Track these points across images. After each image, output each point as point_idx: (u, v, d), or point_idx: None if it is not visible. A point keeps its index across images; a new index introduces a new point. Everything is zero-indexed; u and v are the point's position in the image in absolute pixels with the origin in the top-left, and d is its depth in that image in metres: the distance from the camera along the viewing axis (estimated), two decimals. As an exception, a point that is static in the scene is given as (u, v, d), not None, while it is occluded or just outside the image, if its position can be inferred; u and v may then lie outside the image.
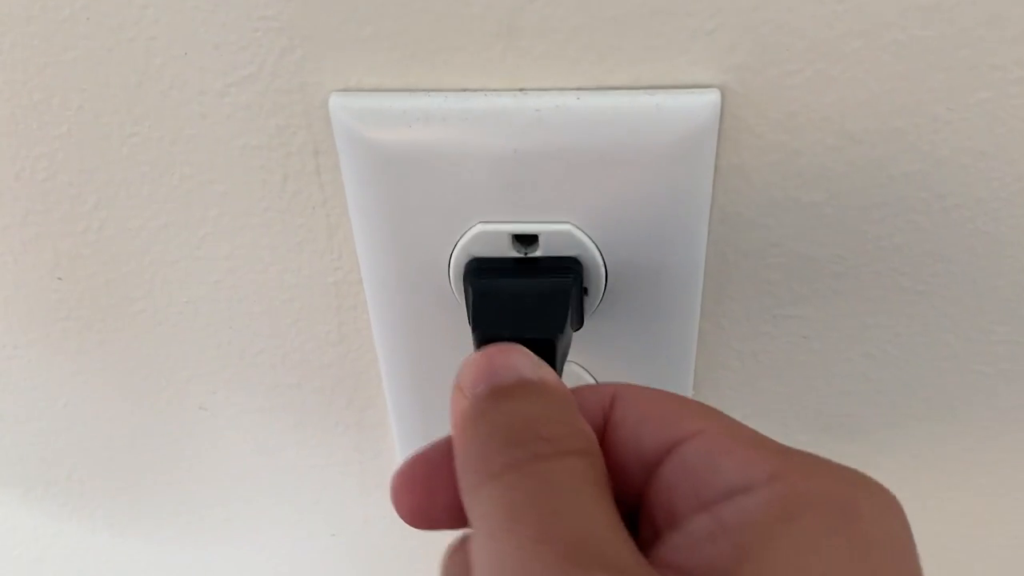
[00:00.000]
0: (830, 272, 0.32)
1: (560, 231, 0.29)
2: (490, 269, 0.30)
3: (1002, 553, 0.41)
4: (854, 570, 0.17)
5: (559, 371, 0.27)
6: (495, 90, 0.29)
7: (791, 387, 0.36)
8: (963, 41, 0.26)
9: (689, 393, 0.35)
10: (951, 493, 0.39)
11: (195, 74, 0.30)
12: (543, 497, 0.18)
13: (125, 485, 0.45)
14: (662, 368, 0.33)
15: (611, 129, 0.28)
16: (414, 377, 0.35)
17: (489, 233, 0.30)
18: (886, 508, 0.18)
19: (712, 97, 0.28)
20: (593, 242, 0.30)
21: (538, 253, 0.30)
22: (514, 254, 0.30)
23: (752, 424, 0.21)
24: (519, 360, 0.22)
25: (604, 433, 0.22)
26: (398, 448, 0.38)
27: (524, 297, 0.29)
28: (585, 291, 0.31)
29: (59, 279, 0.36)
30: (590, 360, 0.34)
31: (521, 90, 0.29)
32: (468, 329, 0.29)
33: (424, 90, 0.29)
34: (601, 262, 0.30)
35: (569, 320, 0.29)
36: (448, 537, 0.22)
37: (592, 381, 0.34)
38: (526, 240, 0.30)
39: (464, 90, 0.29)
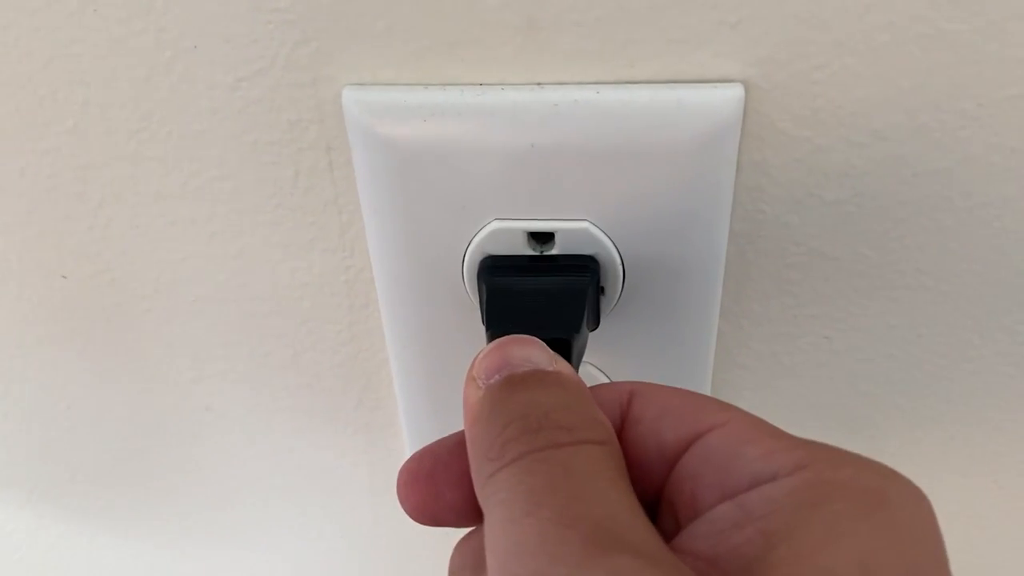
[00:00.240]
0: (853, 271, 0.31)
1: (577, 229, 0.29)
2: (505, 267, 0.29)
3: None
4: (886, 554, 0.17)
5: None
6: (512, 84, 0.28)
7: (811, 388, 0.35)
8: (992, 34, 0.26)
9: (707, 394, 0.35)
10: (977, 496, 0.38)
11: (205, 68, 0.29)
12: (564, 481, 0.18)
13: (130, 487, 0.45)
14: (680, 369, 0.33)
15: (631, 124, 0.27)
16: (426, 378, 0.34)
17: (504, 230, 0.29)
18: (914, 498, 0.18)
19: (735, 92, 0.27)
20: (611, 240, 0.29)
21: (554, 251, 0.29)
22: (530, 252, 0.30)
23: (770, 424, 0.21)
24: (534, 352, 0.21)
25: (622, 429, 0.21)
26: (408, 450, 0.38)
27: (540, 296, 0.28)
28: (602, 290, 0.30)
29: (63, 277, 0.36)
30: (606, 361, 0.33)
31: (539, 84, 0.28)
32: (482, 329, 0.28)
33: (439, 84, 0.28)
34: (619, 261, 0.29)
35: (585, 320, 0.28)
36: (457, 537, 0.22)
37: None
38: (542, 238, 0.30)
39: (480, 84, 0.28)
